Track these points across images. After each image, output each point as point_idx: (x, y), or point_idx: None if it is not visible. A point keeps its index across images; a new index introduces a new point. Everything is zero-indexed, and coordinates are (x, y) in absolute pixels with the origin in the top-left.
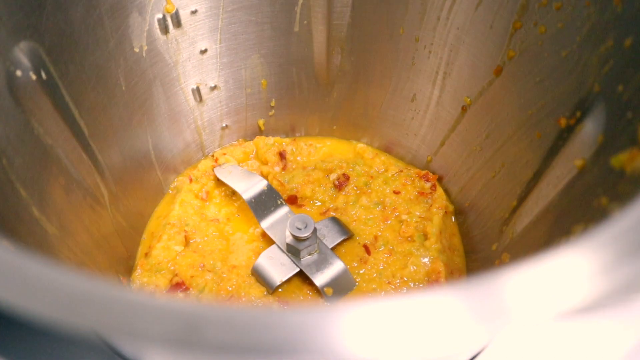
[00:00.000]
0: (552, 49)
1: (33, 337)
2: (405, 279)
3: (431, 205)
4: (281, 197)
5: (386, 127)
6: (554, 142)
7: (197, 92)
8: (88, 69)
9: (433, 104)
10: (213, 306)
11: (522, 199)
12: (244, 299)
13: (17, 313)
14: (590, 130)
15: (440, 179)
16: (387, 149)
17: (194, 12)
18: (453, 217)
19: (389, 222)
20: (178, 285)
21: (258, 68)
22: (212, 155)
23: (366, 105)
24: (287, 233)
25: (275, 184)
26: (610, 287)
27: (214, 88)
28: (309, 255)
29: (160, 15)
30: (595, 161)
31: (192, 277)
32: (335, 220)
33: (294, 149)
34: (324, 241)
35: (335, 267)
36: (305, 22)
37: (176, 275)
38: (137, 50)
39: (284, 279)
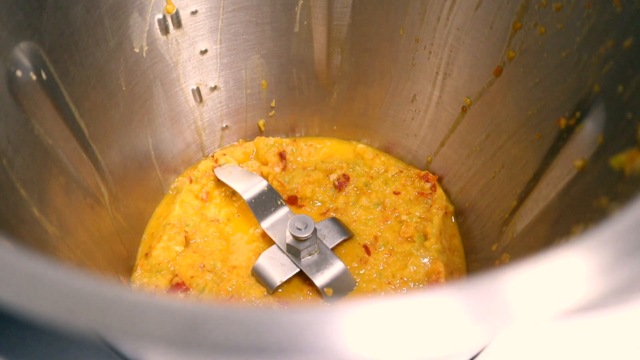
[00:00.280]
0: (552, 50)
1: (33, 337)
2: (405, 279)
3: (431, 206)
4: (281, 198)
5: (386, 127)
6: (554, 142)
7: (197, 92)
8: (88, 69)
9: (433, 104)
10: (214, 306)
11: (522, 199)
12: (244, 300)
13: (18, 312)
14: (590, 130)
15: (440, 180)
16: (387, 150)
17: (194, 13)
18: (453, 218)
19: (389, 222)
20: (178, 286)
21: (258, 68)
22: (212, 156)
23: (366, 105)
24: (287, 233)
25: (275, 185)
26: (609, 288)
27: (214, 88)
28: (309, 255)
29: (160, 16)
30: (595, 161)
31: (192, 277)
32: (335, 221)
33: (294, 150)
34: (324, 241)
35: (336, 267)
36: (305, 22)
37: (176, 275)
38: (137, 50)
39: (284, 279)
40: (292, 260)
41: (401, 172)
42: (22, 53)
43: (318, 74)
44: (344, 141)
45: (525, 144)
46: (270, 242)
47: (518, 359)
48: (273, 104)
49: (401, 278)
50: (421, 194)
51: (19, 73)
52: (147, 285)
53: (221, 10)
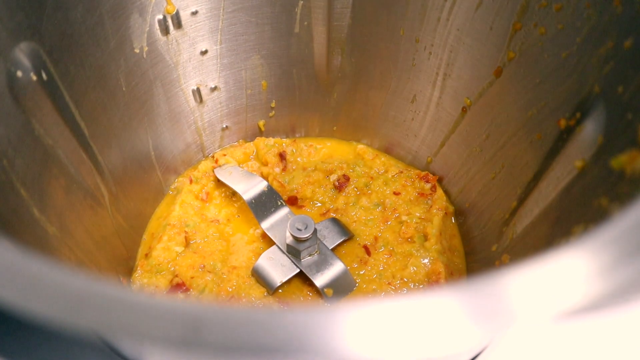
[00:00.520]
0: (552, 50)
1: (34, 338)
2: (405, 279)
3: (431, 206)
4: (281, 198)
5: (386, 128)
6: (554, 143)
7: (197, 93)
8: (88, 69)
9: (433, 105)
10: (214, 306)
11: (522, 199)
12: (244, 300)
13: (19, 313)
14: (590, 131)
15: (440, 180)
16: (387, 150)
17: (194, 13)
18: (453, 218)
19: (389, 223)
20: (178, 286)
21: (258, 69)
22: (213, 156)
23: (366, 106)
24: (288, 234)
25: (275, 185)
26: (610, 288)
27: (214, 89)
28: (309, 256)
29: (160, 16)
30: (595, 162)
31: (192, 277)
32: (335, 221)
33: (294, 150)
34: (324, 242)
35: (336, 267)
36: (305, 23)
37: (176, 276)
38: (137, 51)
39: (284, 280)
40: (292, 261)
41: (401, 172)
42: (22, 53)
43: (318, 75)
44: (344, 142)
45: (525, 145)
46: (270, 242)
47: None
48: (273, 105)
49: (401, 278)
50: (421, 194)
51: (19, 73)
52: (147, 286)
53: (221, 10)
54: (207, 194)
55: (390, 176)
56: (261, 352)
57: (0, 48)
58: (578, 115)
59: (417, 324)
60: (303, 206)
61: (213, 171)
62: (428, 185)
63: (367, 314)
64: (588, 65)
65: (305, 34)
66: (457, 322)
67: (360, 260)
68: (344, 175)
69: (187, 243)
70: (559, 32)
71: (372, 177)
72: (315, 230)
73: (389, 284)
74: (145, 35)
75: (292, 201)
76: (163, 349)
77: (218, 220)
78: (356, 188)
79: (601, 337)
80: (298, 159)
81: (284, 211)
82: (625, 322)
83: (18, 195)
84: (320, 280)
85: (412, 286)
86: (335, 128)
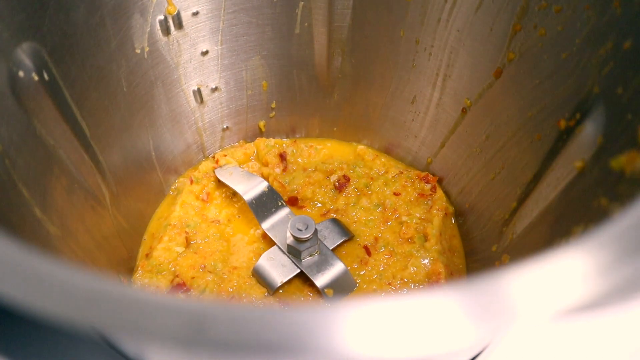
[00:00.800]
0: (552, 51)
1: (36, 338)
2: (406, 280)
3: (431, 207)
4: (282, 199)
5: (386, 128)
6: (554, 143)
7: (198, 93)
8: (90, 69)
9: (433, 105)
10: (217, 304)
11: (522, 200)
12: (244, 300)
13: (23, 310)
14: (589, 131)
15: (440, 181)
16: (387, 151)
17: (195, 14)
18: (453, 219)
19: (389, 223)
20: (179, 286)
21: (259, 70)
22: (213, 157)
23: (367, 107)
24: (288, 234)
25: (275, 186)
26: (609, 287)
27: (215, 89)
28: (310, 256)
29: (161, 17)
30: (595, 162)
31: (192, 278)
32: (335, 222)
33: (294, 151)
34: (325, 242)
35: (336, 268)
36: (306, 24)
37: (177, 276)
38: (138, 51)
39: (284, 280)
40: (292, 261)
41: (401, 173)
42: (24, 54)
43: (318, 75)
44: (344, 142)
45: (525, 145)
46: (270, 243)
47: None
48: (274, 105)
49: (401, 279)
50: (421, 195)
51: (21, 74)
52: (147, 286)
53: (222, 11)
54: (208, 194)
55: (390, 177)
56: (263, 350)
57: (3, 48)
58: (578, 116)
59: (417, 322)
60: (303, 207)
61: (214, 172)
62: (428, 186)
63: (368, 312)
64: (588, 66)
65: (305, 35)
66: (457, 321)
67: (361, 260)
68: (344, 175)
69: (187, 243)
70: (559, 33)
71: (372, 178)
72: (315, 231)
73: (389, 284)
74: (147, 35)
75: (293, 202)
76: (166, 346)
77: (219, 221)
78: (356, 189)
79: (600, 336)
80: (298, 160)
81: (285, 212)
82: (624, 321)
83: (20, 195)
84: (320, 280)
85: (412, 286)
86: (335, 129)
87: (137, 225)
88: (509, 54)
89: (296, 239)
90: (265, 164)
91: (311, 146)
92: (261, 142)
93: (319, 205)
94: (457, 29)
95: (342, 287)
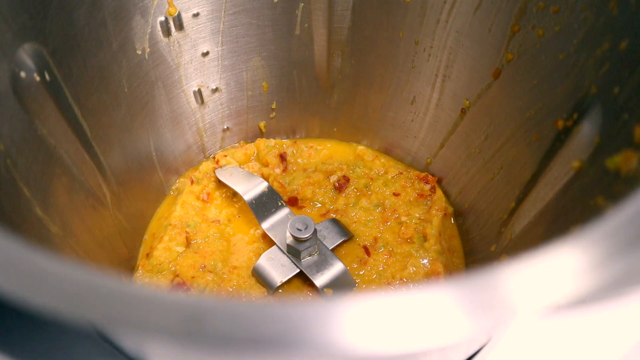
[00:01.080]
0: (550, 52)
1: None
2: (405, 280)
3: (430, 207)
4: (282, 199)
5: (386, 129)
6: (552, 143)
7: (198, 94)
8: (91, 70)
9: (432, 106)
10: (216, 299)
11: (520, 200)
12: (244, 300)
13: (23, 305)
14: (587, 131)
15: (439, 181)
16: (387, 151)
17: (196, 15)
18: (452, 219)
19: (388, 223)
20: (179, 286)
21: (259, 70)
22: (214, 157)
23: (366, 107)
24: (288, 234)
25: (275, 186)
26: (602, 283)
27: (215, 90)
28: (309, 256)
29: (162, 18)
30: (592, 162)
31: (193, 277)
32: (335, 222)
33: (294, 151)
34: (324, 242)
35: (335, 268)
36: (306, 25)
37: (177, 276)
38: (139, 52)
39: (284, 280)
40: (292, 261)
41: (401, 173)
42: (26, 54)
43: (318, 76)
44: (344, 143)
45: (523, 146)
46: (270, 242)
47: (516, 358)
48: (274, 106)
49: (401, 279)
50: (421, 195)
51: (22, 74)
52: (148, 285)
53: (223, 12)
54: (208, 194)
55: (390, 177)
56: (260, 344)
57: (4, 49)
58: (575, 116)
59: (414, 316)
60: (303, 207)
61: (214, 172)
62: (427, 186)
63: (365, 306)
64: (585, 67)
65: (305, 36)
66: (452, 315)
67: (360, 260)
68: (344, 176)
69: (188, 243)
70: (557, 34)
71: (372, 178)
72: (315, 231)
73: (388, 284)
74: (147, 36)
75: (293, 202)
76: (165, 341)
77: (219, 221)
78: (356, 189)
79: (600, 337)
80: (298, 160)
81: (285, 212)
82: (624, 321)
83: (21, 195)
84: (320, 280)
85: (411, 286)
86: (335, 129)
87: (137, 225)
88: (507, 55)
89: (296, 239)
90: (266, 165)
91: (311, 147)
92: (261, 142)
93: (319, 205)
94: (456, 29)
95: (342, 287)
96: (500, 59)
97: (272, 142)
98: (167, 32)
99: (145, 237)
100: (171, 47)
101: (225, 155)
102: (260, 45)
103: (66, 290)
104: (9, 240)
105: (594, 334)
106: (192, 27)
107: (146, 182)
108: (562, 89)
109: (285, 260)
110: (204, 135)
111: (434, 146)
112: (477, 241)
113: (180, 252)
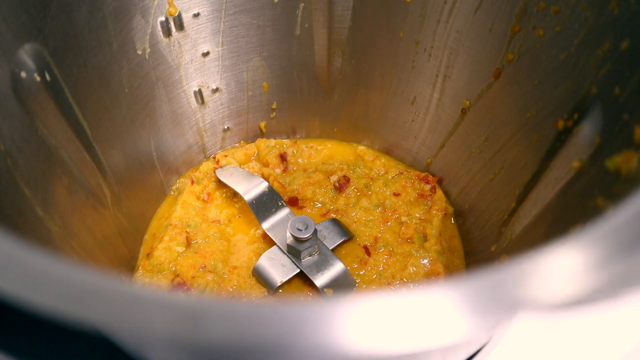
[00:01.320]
0: (550, 52)
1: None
2: (405, 280)
3: (431, 207)
4: (282, 199)
5: (386, 129)
6: (552, 144)
7: (199, 94)
8: (91, 70)
9: (433, 106)
10: (216, 299)
11: (520, 200)
12: (244, 300)
13: (23, 306)
14: (587, 132)
15: (440, 181)
16: (387, 151)
17: (196, 15)
18: (452, 219)
19: (389, 223)
20: (179, 286)
21: (259, 71)
22: (214, 157)
23: (367, 107)
24: (288, 234)
25: (276, 186)
26: (602, 283)
27: (215, 90)
28: (310, 256)
29: (163, 18)
30: (593, 162)
31: (193, 277)
32: (335, 222)
33: (295, 151)
34: (325, 242)
35: (336, 268)
36: (306, 25)
37: (177, 275)
38: (140, 52)
39: (284, 280)
40: (292, 261)
41: (401, 173)
42: (26, 54)
43: (319, 76)
44: (344, 143)
45: (523, 146)
46: (270, 242)
47: (516, 358)
48: (274, 106)
49: (401, 279)
50: (421, 195)
51: (23, 74)
52: (148, 286)
53: (223, 12)
54: (209, 194)
55: (390, 177)
56: (260, 345)
57: (5, 49)
58: (576, 116)
59: (413, 316)
60: (303, 207)
61: (214, 172)
62: (428, 187)
63: (365, 307)
64: (585, 67)
65: (306, 36)
66: (452, 315)
67: (360, 260)
68: (344, 176)
69: (188, 243)
70: (557, 34)
71: (372, 178)
72: (315, 231)
73: (388, 284)
74: (148, 37)
75: (293, 202)
76: (164, 341)
77: (219, 221)
78: (356, 189)
79: (601, 337)
80: (299, 160)
81: (285, 212)
82: (625, 321)
83: (22, 195)
84: (320, 280)
85: (411, 287)
86: (335, 129)
87: (138, 225)
88: (508, 55)
89: (296, 239)
90: (266, 165)
91: (311, 147)
92: (262, 142)
93: (319, 205)
94: (456, 30)
95: (342, 287)
96: (501, 59)
97: (272, 142)
98: (167, 32)
99: (146, 237)
100: (171, 47)
101: (226, 155)
102: (261, 45)
103: (66, 290)
104: (9, 240)
105: (594, 334)
106: (193, 27)
107: (147, 182)
108: (562, 89)
109: (285, 260)
110: (205, 136)
111: (434, 146)
112: (477, 241)
113: (181, 252)
